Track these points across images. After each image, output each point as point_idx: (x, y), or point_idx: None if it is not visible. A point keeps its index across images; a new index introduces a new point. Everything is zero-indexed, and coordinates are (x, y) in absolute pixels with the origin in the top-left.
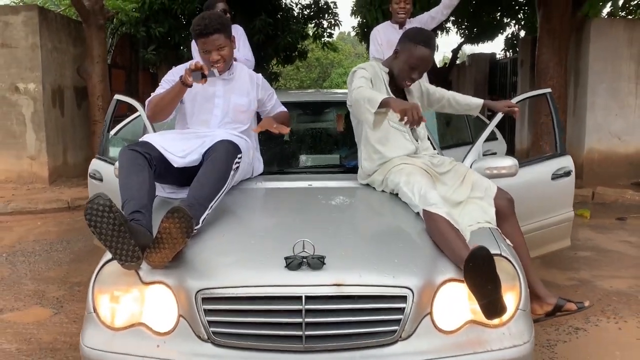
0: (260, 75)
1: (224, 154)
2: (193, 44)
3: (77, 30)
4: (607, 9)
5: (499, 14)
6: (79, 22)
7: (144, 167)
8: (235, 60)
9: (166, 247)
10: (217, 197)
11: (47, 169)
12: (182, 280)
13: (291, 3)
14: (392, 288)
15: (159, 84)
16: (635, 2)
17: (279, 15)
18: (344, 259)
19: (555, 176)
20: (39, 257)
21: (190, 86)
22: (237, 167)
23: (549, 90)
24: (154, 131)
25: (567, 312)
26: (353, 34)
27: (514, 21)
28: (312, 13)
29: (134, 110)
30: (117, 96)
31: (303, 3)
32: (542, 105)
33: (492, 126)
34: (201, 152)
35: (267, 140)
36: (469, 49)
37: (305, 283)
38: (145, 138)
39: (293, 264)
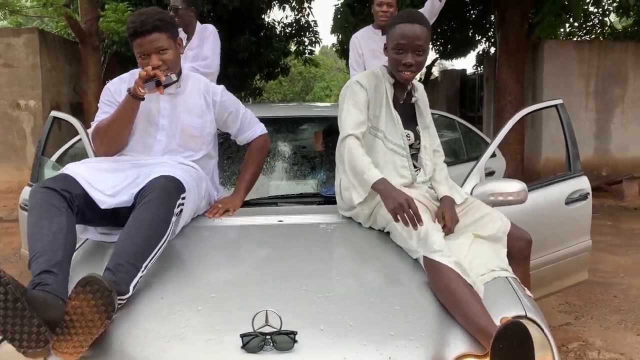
0: (221, 88)
1: (162, 195)
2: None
3: (72, 50)
4: (565, 29)
5: (470, 31)
6: (75, 42)
7: (61, 210)
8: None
9: (79, 333)
10: (152, 254)
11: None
12: None
13: (273, 21)
14: None
15: (98, 106)
16: (591, 23)
17: (262, 34)
18: (322, 334)
19: (570, 200)
20: None
21: (143, 99)
22: (181, 211)
23: (560, 101)
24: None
25: None
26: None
27: (484, 38)
28: (293, 31)
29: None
30: (54, 113)
31: (285, 22)
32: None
33: (495, 144)
34: (133, 193)
35: (227, 163)
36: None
37: None
38: (67, 170)
39: (253, 343)
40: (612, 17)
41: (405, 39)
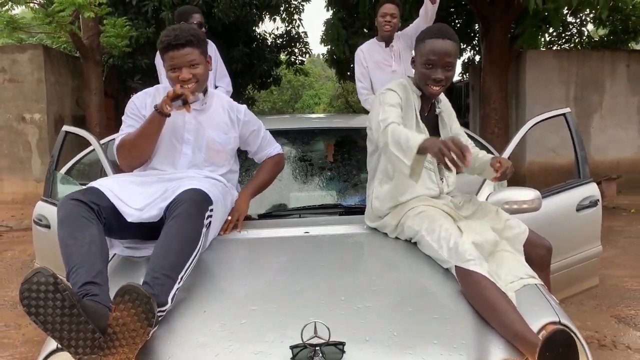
0: (244, 107)
1: (191, 207)
2: (158, 61)
3: (74, 65)
4: (545, 39)
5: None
6: (77, 57)
7: (91, 221)
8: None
9: (124, 345)
10: (187, 266)
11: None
12: None
13: (265, 33)
14: None
15: (123, 119)
16: (569, 32)
17: (254, 45)
18: (369, 345)
19: (581, 207)
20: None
21: (169, 116)
22: (210, 223)
23: (568, 110)
24: (112, 168)
25: None
26: (323, 58)
27: (469, 47)
28: (284, 42)
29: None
30: (66, 127)
31: (276, 33)
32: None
33: (508, 151)
34: (162, 207)
35: (247, 175)
36: None
37: None
38: (95, 184)
39: (303, 354)
40: (590, 27)
41: (436, 55)
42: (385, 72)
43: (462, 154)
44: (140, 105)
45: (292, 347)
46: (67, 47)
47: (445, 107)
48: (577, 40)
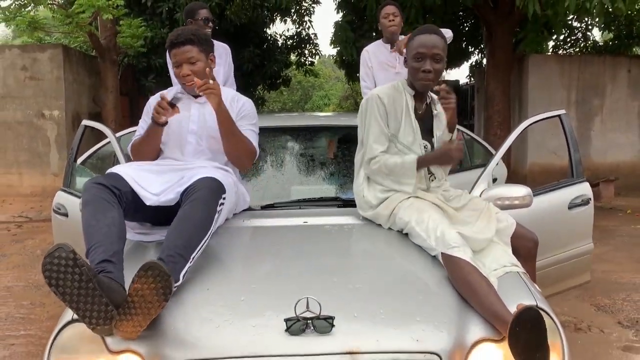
0: (245, 100)
1: (207, 194)
2: (168, 60)
3: (91, 63)
4: (551, 42)
5: (464, 43)
6: (93, 56)
7: (113, 205)
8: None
9: (139, 313)
10: (199, 247)
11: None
12: (158, 349)
13: (275, 34)
14: (416, 354)
15: (142, 117)
16: (575, 37)
17: (265, 46)
18: (356, 320)
19: (573, 205)
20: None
21: (165, 124)
22: (222, 209)
23: (563, 111)
24: (125, 161)
25: None
26: (332, 59)
27: (477, 50)
28: (294, 44)
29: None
30: (85, 122)
31: (287, 35)
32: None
33: (501, 152)
34: (179, 191)
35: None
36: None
37: (312, 352)
38: (115, 170)
39: (295, 327)
40: (596, 32)
41: (424, 48)
42: (388, 74)
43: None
44: (154, 103)
45: (286, 320)
46: (83, 47)
47: (440, 108)
48: (582, 45)
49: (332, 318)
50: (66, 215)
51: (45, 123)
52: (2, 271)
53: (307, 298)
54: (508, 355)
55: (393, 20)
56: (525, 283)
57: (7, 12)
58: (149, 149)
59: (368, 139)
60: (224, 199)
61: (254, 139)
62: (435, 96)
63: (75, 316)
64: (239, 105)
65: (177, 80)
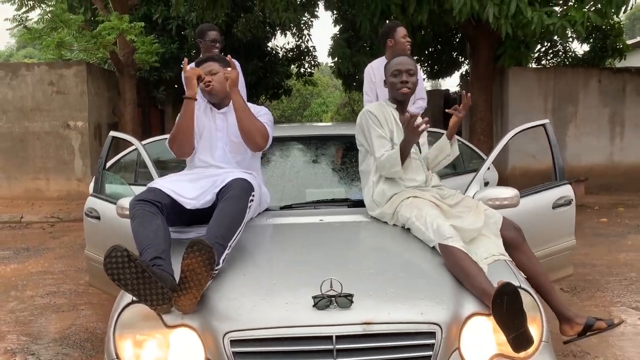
0: (264, 109)
1: (240, 191)
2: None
3: (109, 78)
4: (532, 56)
5: (455, 53)
6: (111, 71)
7: (156, 215)
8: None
9: (192, 287)
10: (235, 236)
11: (89, 189)
12: (207, 323)
13: (276, 47)
14: (421, 325)
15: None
16: (556, 49)
17: (267, 59)
18: (371, 297)
19: (556, 205)
20: None
21: (196, 99)
22: (251, 205)
23: (546, 121)
24: (156, 170)
25: (598, 331)
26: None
27: (467, 60)
28: (294, 55)
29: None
30: (113, 133)
31: (287, 47)
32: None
33: (491, 158)
34: (214, 192)
35: (269, 174)
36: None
37: (335, 322)
38: (155, 185)
39: (321, 303)
40: (575, 44)
41: (400, 65)
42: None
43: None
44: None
45: (313, 297)
46: (100, 62)
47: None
48: (563, 56)
49: (351, 295)
50: (98, 218)
51: (70, 133)
52: (52, 260)
53: (331, 279)
54: (496, 326)
55: (409, 42)
56: (511, 269)
57: (34, 32)
58: (185, 130)
59: (373, 145)
60: (253, 196)
61: (268, 126)
62: (410, 109)
63: (135, 298)
64: (257, 109)
65: (202, 94)
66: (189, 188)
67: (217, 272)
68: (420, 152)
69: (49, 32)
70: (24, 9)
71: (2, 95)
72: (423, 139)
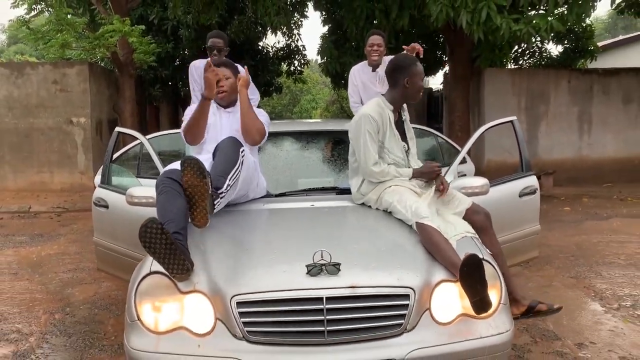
0: (262, 111)
1: (228, 142)
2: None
3: (110, 76)
4: (510, 57)
5: (439, 53)
6: (111, 70)
7: (180, 193)
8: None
9: (198, 199)
10: (232, 173)
11: (93, 181)
12: (216, 288)
13: (267, 45)
14: (397, 288)
15: (183, 119)
16: (532, 50)
17: (258, 57)
18: (356, 266)
19: (523, 194)
20: None
21: (211, 99)
22: (243, 155)
23: (514, 118)
24: (161, 163)
25: (539, 313)
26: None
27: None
28: (284, 54)
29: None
30: (119, 129)
31: (277, 46)
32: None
33: (464, 151)
34: (211, 151)
35: (266, 166)
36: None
37: (325, 286)
38: (175, 165)
39: (314, 270)
40: (551, 45)
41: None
42: (370, 92)
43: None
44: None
45: (306, 266)
46: (99, 61)
47: (407, 115)
48: (538, 57)
49: (339, 264)
50: (106, 207)
51: (73, 129)
52: (67, 244)
53: (322, 251)
54: (461, 291)
55: (377, 50)
56: (476, 244)
57: (36, 33)
58: (199, 128)
59: (367, 149)
60: (243, 151)
61: (265, 124)
62: (405, 106)
63: (152, 269)
64: (257, 111)
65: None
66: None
67: (222, 196)
68: (409, 148)
69: (54, 33)
70: (33, 13)
71: (8, 92)
72: (411, 133)
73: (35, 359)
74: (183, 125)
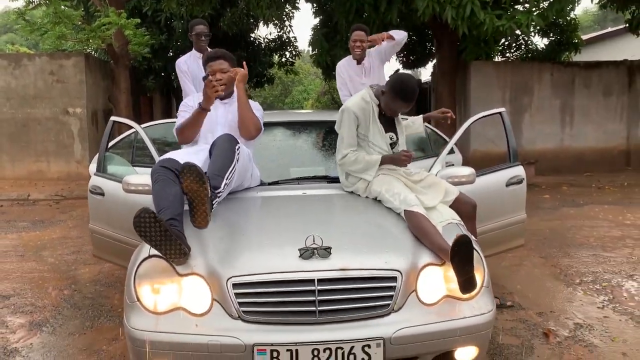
0: (257, 105)
1: (225, 140)
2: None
3: (106, 68)
4: (496, 49)
5: (429, 45)
6: (107, 61)
7: (175, 181)
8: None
9: (198, 203)
10: (229, 170)
11: (88, 170)
12: (213, 271)
13: (259, 37)
14: (385, 271)
15: (178, 114)
16: (518, 43)
17: (250, 48)
18: (346, 249)
19: (510, 183)
20: None
21: (209, 110)
22: (239, 152)
23: (503, 109)
24: (156, 151)
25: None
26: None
27: None
28: (276, 46)
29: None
30: (114, 118)
31: (269, 38)
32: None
33: (452, 142)
34: (207, 149)
35: (259, 155)
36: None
37: (317, 269)
38: (171, 155)
39: (306, 254)
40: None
41: (401, 110)
42: (357, 84)
43: (409, 156)
44: (190, 103)
45: (299, 249)
46: (92, 51)
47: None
48: (525, 50)
49: (330, 248)
50: (102, 194)
51: (69, 119)
52: (67, 229)
53: (313, 235)
54: (445, 275)
55: (359, 46)
56: (462, 230)
57: (32, 25)
58: (192, 132)
59: (342, 141)
60: (238, 147)
61: (260, 119)
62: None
63: (151, 253)
64: (252, 105)
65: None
66: (194, 159)
67: (220, 195)
68: (398, 139)
69: (52, 26)
70: (31, 6)
71: (5, 83)
72: (401, 125)
73: (50, 327)
74: (177, 125)
